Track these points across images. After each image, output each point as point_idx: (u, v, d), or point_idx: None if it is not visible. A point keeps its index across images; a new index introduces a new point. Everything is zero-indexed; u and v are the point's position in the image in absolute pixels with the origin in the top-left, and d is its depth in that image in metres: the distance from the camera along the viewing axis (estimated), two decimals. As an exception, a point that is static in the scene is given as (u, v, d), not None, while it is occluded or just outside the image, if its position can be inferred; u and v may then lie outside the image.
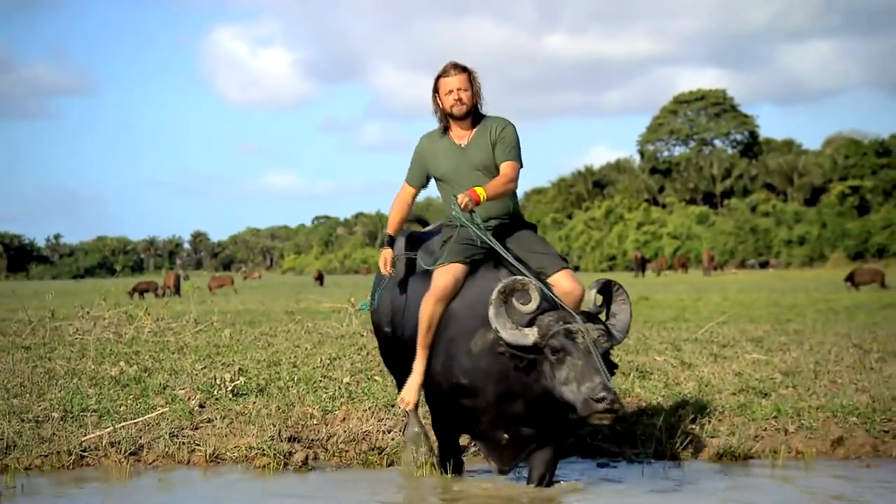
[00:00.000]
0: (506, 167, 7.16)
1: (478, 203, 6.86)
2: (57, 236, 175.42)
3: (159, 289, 45.35)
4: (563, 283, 6.98)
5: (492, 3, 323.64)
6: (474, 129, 7.32)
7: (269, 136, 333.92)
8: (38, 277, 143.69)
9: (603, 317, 6.70)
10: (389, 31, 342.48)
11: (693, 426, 8.82)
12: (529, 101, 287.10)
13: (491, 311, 6.42)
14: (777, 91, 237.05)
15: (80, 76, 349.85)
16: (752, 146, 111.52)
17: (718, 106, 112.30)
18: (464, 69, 7.27)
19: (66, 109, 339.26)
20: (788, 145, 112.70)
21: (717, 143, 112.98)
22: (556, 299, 6.60)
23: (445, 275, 7.04)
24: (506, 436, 6.84)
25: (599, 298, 6.72)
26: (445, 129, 7.36)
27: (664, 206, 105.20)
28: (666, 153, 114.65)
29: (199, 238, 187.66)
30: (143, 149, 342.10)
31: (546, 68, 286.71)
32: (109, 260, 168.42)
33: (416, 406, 7.51)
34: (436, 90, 7.32)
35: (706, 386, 10.16)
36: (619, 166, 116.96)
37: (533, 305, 6.43)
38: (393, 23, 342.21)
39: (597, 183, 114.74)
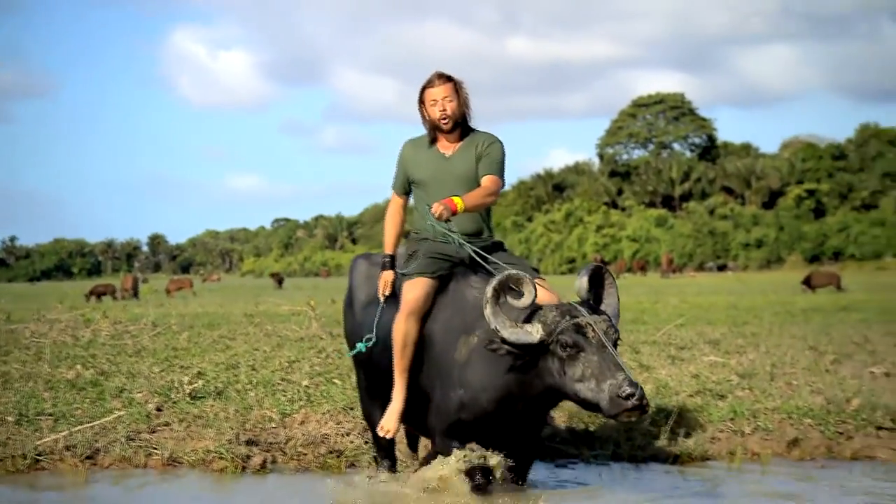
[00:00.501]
0: (487, 180, 6.88)
1: (454, 213, 6.56)
2: (12, 238, 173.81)
3: (117, 292, 45.07)
4: (538, 293, 6.50)
5: (453, 7, 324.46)
6: (461, 142, 7.05)
7: (228, 138, 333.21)
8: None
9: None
10: (350, 34, 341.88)
11: (651, 428, 8.86)
12: (490, 104, 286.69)
13: (487, 311, 6.09)
14: (735, 95, 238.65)
15: (37, 78, 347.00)
16: (710, 149, 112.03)
17: (677, 109, 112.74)
18: (449, 79, 6.99)
19: (22, 112, 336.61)
20: (746, 149, 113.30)
21: (676, 146, 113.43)
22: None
23: (414, 288, 6.74)
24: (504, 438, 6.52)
25: (588, 285, 6.43)
26: (433, 140, 7.07)
27: (623, 209, 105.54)
28: (625, 156, 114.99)
29: (157, 240, 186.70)
30: (102, 151, 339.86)
31: (507, 71, 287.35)
32: (66, 262, 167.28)
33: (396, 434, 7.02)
34: (421, 101, 7.03)
35: (664, 388, 10.21)
36: (579, 169, 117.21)
37: (528, 300, 6.14)
38: (354, 26, 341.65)
39: (556, 186, 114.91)
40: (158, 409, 9.41)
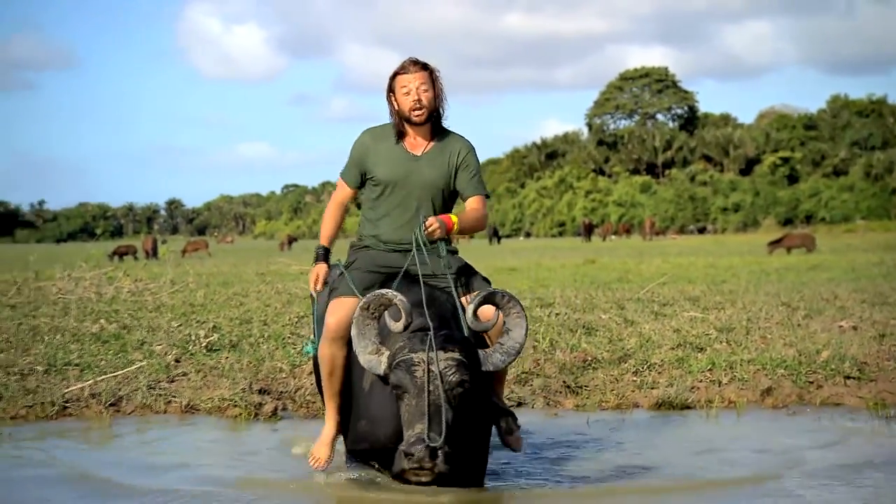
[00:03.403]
0: (476, 202, 5.92)
1: (449, 232, 5.68)
2: (41, 202, 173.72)
3: (138, 252, 45.13)
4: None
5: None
6: (432, 142, 5.94)
7: (241, 108, 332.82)
8: (23, 241, 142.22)
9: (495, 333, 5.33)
10: (355, 8, 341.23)
11: (635, 378, 8.90)
12: (486, 76, 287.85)
13: (353, 331, 5.14)
14: (717, 68, 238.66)
15: (60, 50, 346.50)
16: (691, 120, 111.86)
17: (661, 83, 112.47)
18: (424, 66, 5.86)
19: (46, 82, 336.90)
20: (725, 119, 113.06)
21: (660, 117, 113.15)
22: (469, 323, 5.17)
23: (338, 310, 5.68)
24: None
25: (488, 312, 5.23)
26: (400, 134, 5.93)
27: (610, 176, 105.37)
28: (612, 126, 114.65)
29: (174, 205, 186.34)
30: (122, 120, 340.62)
31: (502, 45, 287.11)
32: (90, 225, 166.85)
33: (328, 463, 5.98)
34: (391, 90, 5.88)
35: (647, 341, 10.23)
36: (569, 139, 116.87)
37: (400, 325, 5.04)
38: (358, 1, 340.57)
39: (548, 154, 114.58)
40: (177, 361, 9.44)
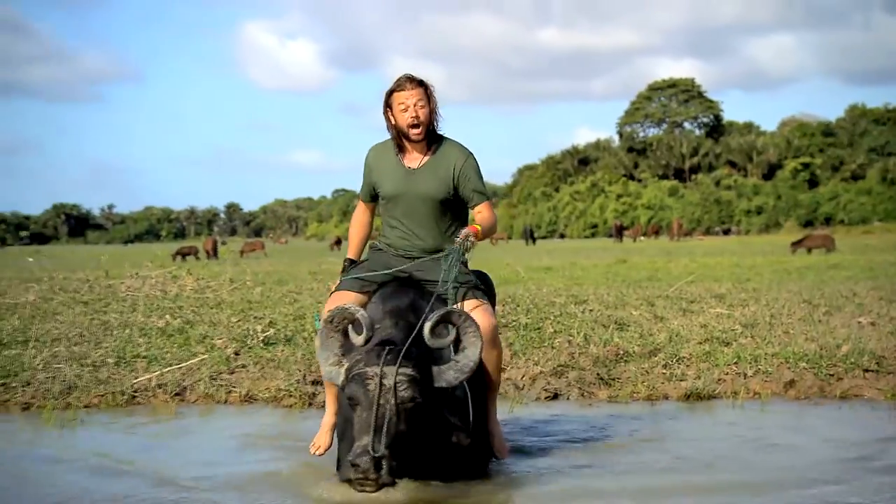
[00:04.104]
0: (483, 208, 5.76)
1: (477, 238, 5.57)
2: (110, 206, 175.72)
3: (199, 252, 45.39)
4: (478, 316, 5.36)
5: (491, 0, 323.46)
6: (428, 155, 5.76)
7: (294, 118, 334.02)
8: (94, 242, 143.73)
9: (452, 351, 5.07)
10: (401, 24, 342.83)
11: (664, 371, 8.85)
12: (524, 88, 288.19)
13: (316, 342, 5.08)
14: (741, 78, 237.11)
15: (128, 65, 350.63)
16: (716, 128, 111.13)
17: (688, 93, 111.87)
18: (420, 83, 5.68)
19: (115, 94, 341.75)
20: (748, 127, 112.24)
21: (687, 125, 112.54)
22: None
23: (334, 303, 5.58)
24: None
25: (444, 330, 4.96)
26: (399, 147, 5.78)
27: (640, 181, 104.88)
28: (642, 134, 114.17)
29: (233, 208, 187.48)
30: (185, 129, 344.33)
31: (538, 58, 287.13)
32: (156, 227, 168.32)
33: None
34: (388, 105, 5.70)
35: (676, 336, 10.17)
36: (601, 146, 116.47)
37: (361, 340, 4.90)
38: (402, 18, 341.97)
39: (581, 160, 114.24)
40: (236, 354, 9.48)
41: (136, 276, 17.00)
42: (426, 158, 5.75)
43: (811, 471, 5.80)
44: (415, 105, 5.61)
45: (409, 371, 4.77)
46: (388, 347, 4.87)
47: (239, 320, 11.45)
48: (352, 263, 5.99)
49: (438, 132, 5.78)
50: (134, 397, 8.22)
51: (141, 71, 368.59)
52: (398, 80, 5.70)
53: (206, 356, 9.23)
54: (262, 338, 10.02)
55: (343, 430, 5.17)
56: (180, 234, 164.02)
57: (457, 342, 4.95)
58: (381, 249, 5.88)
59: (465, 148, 5.81)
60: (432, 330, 4.87)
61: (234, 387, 8.46)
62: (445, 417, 5.09)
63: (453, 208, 5.81)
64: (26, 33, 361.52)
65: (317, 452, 5.78)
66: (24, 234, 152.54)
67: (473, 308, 5.38)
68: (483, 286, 5.77)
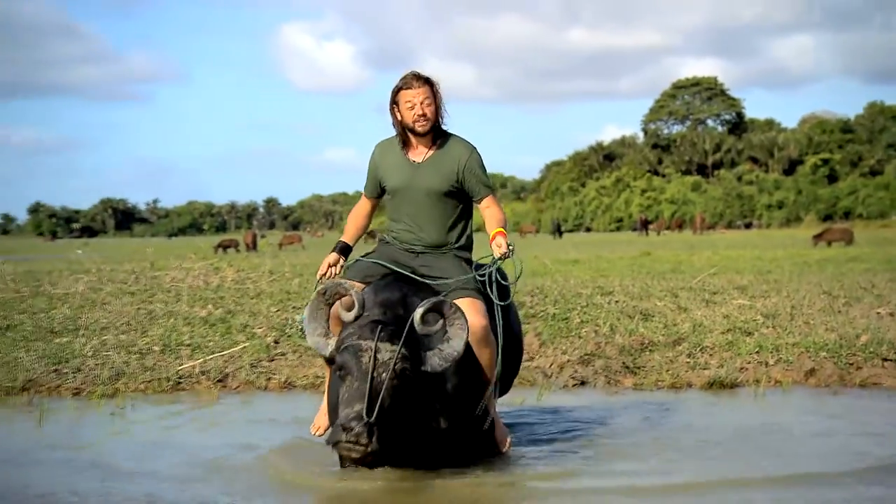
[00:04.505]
0: (488, 202, 5.73)
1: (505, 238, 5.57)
2: (155, 201, 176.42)
3: (240, 245, 45.58)
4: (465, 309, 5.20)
5: (521, 2, 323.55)
6: (433, 149, 5.68)
7: (330, 117, 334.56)
8: (140, 235, 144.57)
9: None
10: (433, 26, 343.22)
11: (688, 360, 8.81)
12: (552, 87, 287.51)
13: (305, 312, 5.09)
14: (763, 77, 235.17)
15: (173, 65, 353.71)
16: (738, 125, 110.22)
17: (711, 91, 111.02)
18: (426, 80, 5.63)
19: (161, 94, 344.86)
20: (769, 124, 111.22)
21: (709, 122, 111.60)
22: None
23: None
24: None
25: (432, 319, 4.95)
26: (404, 143, 5.71)
27: (664, 176, 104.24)
28: (666, 131, 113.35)
29: (272, 203, 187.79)
30: (226, 127, 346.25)
31: (566, 58, 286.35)
32: (198, 221, 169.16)
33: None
34: (394, 102, 5.65)
35: (699, 326, 10.12)
36: (626, 142, 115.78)
37: (353, 315, 4.94)
38: (436, 19, 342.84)
39: (607, 156, 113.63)
40: (276, 342, 9.52)
41: (180, 267, 17.06)
42: (430, 153, 5.68)
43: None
44: (421, 103, 5.56)
45: (403, 350, 4.81)
46: (381, 325, 4.90)
47: (278, 310, 11.49)
48: (342, 245, 5.88)
49: (443, 128, 5.71)
50: (179, 383, 8.28)
51: (185, 72, 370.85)
52: (404, 77, 5.65)
53: (247, 344, 9.28)
54: (300, 327, 10.03)
55: (334, 404, 5.10)
56: (222, 228, 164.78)
57: (444, 333, 4.97)
58: (388, 243, 5.80)
59: (469, 143, 5.75)
60: (422, 317, 4.89)
61: (274, 374, 8.51)
62: (429, 402, 5.10)
63: (457, 202, 5.73)
64: (76, 35, 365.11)
65: (317, 433, 5.73)
66: (73, 227, 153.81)
67: (466, 306, 5.28)
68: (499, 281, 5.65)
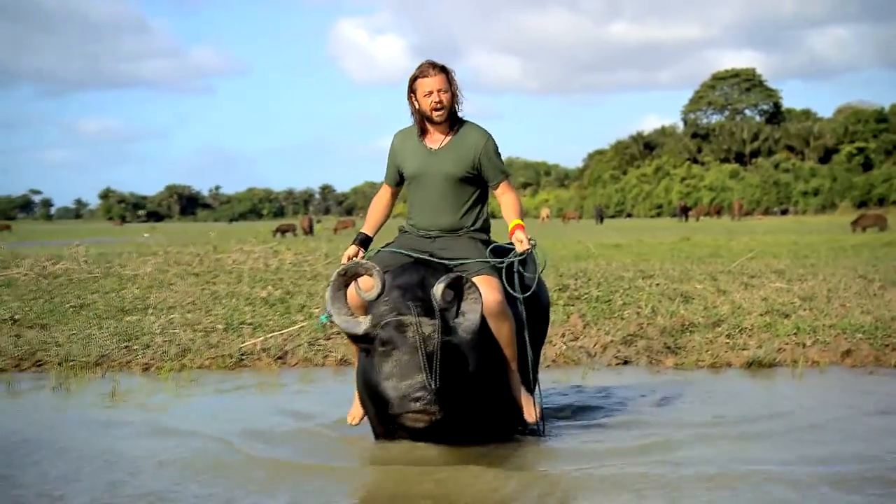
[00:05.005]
0: (504, 188, 5.60)
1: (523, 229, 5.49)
2: (217, 188, 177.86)
3: (297, 230, 45.84)
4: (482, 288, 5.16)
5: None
6: (449, 136, 5.57)
7: (383, 107, 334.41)
8: (203, 220, 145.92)
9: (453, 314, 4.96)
10: (481, 19, 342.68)
11: (727, 340, 8.74)
12: (595, 79, 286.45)
13: (328, 294, 4.96)
14: (800, 68, 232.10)
15: (235, 60, 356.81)
16: (775, 114, 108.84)
17: (749, 82, 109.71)
18: (443, 69, 5.51)
19: (224, 87, 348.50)
20: (806, 114, 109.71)
21: (747, 112, 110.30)
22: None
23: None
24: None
25: (449, 294, 4.89)
26: (422, 131, 5.61)
27: (703, 164, 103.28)
28: (705, 121, 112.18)
29: (327, 190, 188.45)
30: (284, 117, 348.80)
31: (608, 51, 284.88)
32: (257, 207, 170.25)
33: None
34: (412, 91, 5.54)
35: (738, 308, 10.03)
36: (666, 132, 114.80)
37: (374, 293, 4.87)
38: (484, 13, 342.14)
39: (647, 145, 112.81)
40: (332, 321, 9.55)
41: (241, 250, 17.24)
42: (447, 139, 5.57)
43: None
44: (438, 91, 5.44)
45: (436, 323, 4.79)
46: (412, 301, 4.89)
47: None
48: (362, 236, 5.80)
49: (459, 115, 5.61)
50: (241, 360, 8.35)
51: (247, 65, 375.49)
52: (421, 66, 5.54)
53: (304, 324, 9.33)
54: (324, 323, 10.05)
55: (375, 381, 4.92)
56: (279, 213, 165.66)
57: (458, 307, 4.94)
58: (406, 232, 5.71)
59: (485, 130, 5.63)
60: (442, 292, 4.84)
61: (331, 351, 8.55)
62: (463, 375, 4.97)
63: (473, 187, 5.62)
64: (147, 32, 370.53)
65: (353, 422, 5.61)
66: (141, 212, 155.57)
67: (481, 283, 5.21)
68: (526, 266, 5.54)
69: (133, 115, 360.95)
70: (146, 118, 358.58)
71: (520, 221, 5.50)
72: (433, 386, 4.61)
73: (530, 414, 5.58)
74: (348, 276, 4.98)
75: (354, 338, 4.94)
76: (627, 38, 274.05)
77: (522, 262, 5.46)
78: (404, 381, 4.67)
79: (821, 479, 4.68)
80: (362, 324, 4.87)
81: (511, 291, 5.36)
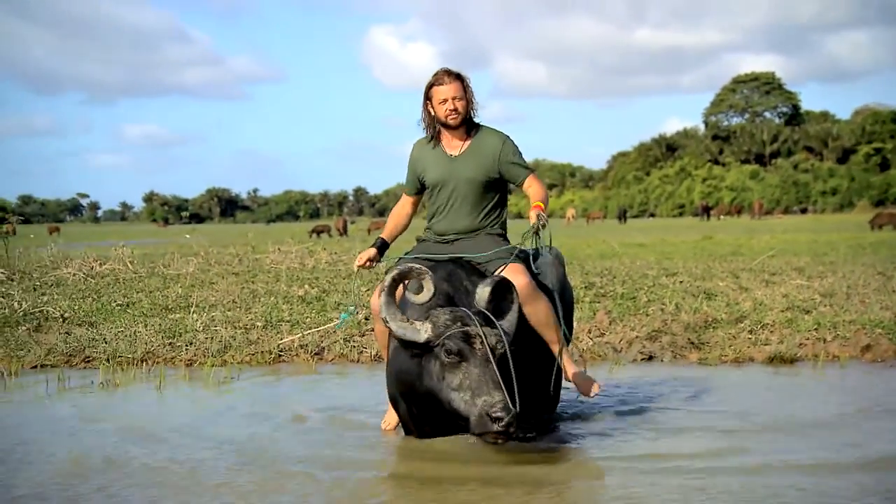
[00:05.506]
0: (531, 181, 5.53)
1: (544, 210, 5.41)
2: (255, 190, 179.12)
3: (332, 230, 45.97)
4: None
5: (590, 3, 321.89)
6: (468, 141, 5.54)
7: (414, 112, 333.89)
8: (242, 221, 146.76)
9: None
10: (508, 26, 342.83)
11: (750, 336, 8.66)
12: (619, 83, 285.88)
13: (382, 299, 4.71)
14: (818, 71, 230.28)
15: (272, 67, 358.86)
16: (794, 117, 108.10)
17: (768, 85, 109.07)
18: (458, 76, 5.45)
19: (261, 93, 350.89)
20: (824, 116, 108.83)
21: (767, 114, 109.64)
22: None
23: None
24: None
25: (490, 296, 4.83)
26: (436, 138, 5.59)
27: (724, 165, 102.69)
28: (726, 123, 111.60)
29: (360, 192, 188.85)
30: (319, 122, 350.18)
31: (632, 56, 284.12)
32: (294, 208, 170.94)
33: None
34: (427, 98, 5.49)
35: (760, 305, 9.95)
36: (688, 134, 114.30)
37: (424, 297, 4.79)
38: (511, 21, 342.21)
39: (669, 147, 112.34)
40: (366, 319, 9.54)
41: (279, 251, 17.26)
42: (466, 145, 5.53)
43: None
44: (454, 98, 5.39)
45: (499, 332, 4.67)
46: (469, 311, 4.73)
47: (368, 290, 11.53)
48: (380, 241, 5.76)
49: (475, 120, 5.56)
50: (280, 356, 8.38)
51: (283, 72, 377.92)
52: (436, 74, 5.48)
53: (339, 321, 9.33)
54: (347, 319, 10.04)
55: (408, 381, 4.87)
56: (315, 215, 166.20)
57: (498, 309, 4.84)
58: (425, 240, 5.68)
59: (501, 132, 5.58)
60: (486, 297, 4.78)
61: (365, 348, 8.56)
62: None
63: (494, 192, 5.59)
64: (187, 40, 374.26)
65: (387, 428, 5.56)
66: (183, 214, 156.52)
67: (509, 271, 5.17)
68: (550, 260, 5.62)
69: (175, 121, 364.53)
70: (187, 124, 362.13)
71: (539, 203, 5.41)
72: (516, 409, 4.37)
73: (587, 388, 5.49)
74: (399, 279, 4.82)
75: (410, 344, 4.73)
76: (651, 43, 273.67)
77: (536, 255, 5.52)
78: (480, 398, 4.45)
79: None
80: (422, 332, 4.68)
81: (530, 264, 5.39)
